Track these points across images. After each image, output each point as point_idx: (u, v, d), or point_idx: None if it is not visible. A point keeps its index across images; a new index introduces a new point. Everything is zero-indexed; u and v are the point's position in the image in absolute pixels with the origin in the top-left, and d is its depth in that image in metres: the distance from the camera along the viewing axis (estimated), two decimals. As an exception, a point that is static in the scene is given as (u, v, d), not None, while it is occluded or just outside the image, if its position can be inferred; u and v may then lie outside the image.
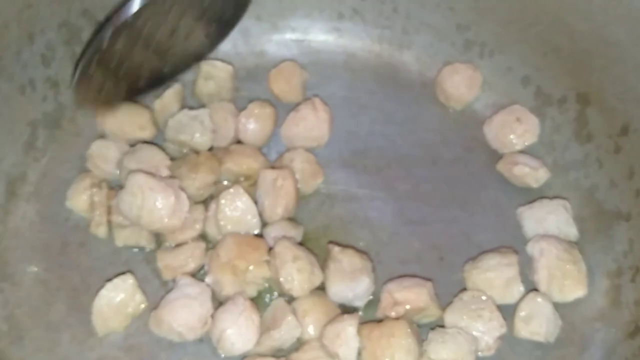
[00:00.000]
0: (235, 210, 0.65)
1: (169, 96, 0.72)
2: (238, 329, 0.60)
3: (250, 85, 0.77)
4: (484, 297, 0.61)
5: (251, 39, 0.79)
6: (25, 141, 0.69)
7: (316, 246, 0.67)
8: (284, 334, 0.60)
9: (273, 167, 0.70)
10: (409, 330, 0.59)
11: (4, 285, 0.64)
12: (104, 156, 0.69)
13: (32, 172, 0.70)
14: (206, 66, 0.74)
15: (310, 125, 0.72)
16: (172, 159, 0.69)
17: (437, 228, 0.69)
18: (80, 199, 0.67)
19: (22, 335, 0.62)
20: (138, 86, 0.70)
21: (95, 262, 0.66)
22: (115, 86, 0.67)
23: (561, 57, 0.69)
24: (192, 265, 0.64)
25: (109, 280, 0.63)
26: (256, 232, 0.66)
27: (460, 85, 0.75)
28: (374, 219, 0.70)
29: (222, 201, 0.65)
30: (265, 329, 0.61)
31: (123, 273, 0.63)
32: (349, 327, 0.59)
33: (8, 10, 0.65)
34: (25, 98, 0.69)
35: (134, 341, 0.62)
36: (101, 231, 0.66)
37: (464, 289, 0.63)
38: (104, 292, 0.61)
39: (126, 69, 0.66)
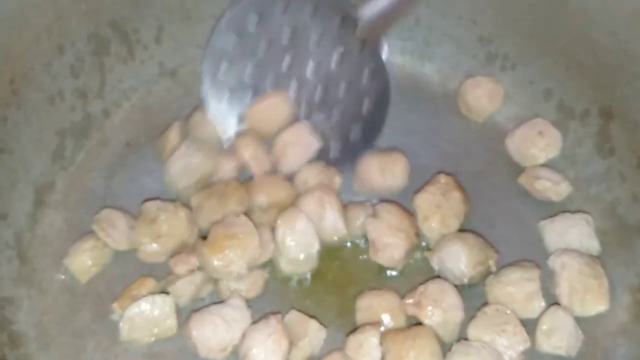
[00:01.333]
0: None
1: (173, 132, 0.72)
2: (264, 350, 0.60)
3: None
4: (507, 312, 0.62)
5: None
6: (53, 150, 0.71)
7: (338, 256, 0.67)
8: (312, 339, 0.61)
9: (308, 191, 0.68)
10: (433, 334, 0.60)
11: (32, 292, 0.66)
12: (113, 223, 0.67)
13: (60, 181, 0.71)
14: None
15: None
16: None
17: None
18: (79, 259, 0.66)
19: (49, 342, 0.64)
20: None
21: (120, 271, 0.67)
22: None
23: (584, 71, 0.70)
24: (251, 293, 0.65)
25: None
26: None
27: (482, 97, 0.75)
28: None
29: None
30: (291, 345, 0.61)
31: (167, 293, 0.63)
32: (371, 338, 0.60)
33: (39, 23, 0.66)
34: (54, 108, 0.70)
35: (159, 349, 0.63)
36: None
37: (486, 303, 0.64)
38: (142, 302, 0.62)
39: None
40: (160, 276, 0.65)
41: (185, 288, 0.63)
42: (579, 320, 0.63)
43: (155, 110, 0.77)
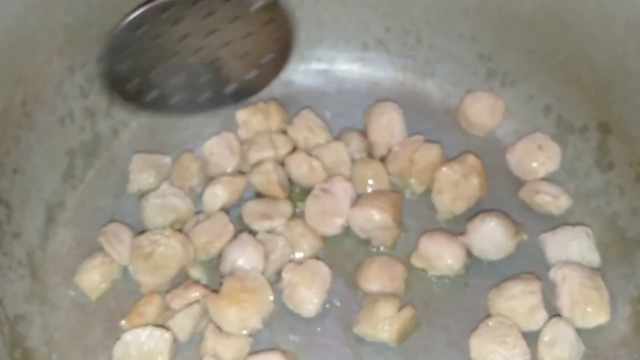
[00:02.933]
0: None
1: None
2: (247, 257, 0.65)
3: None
4: (509, 324, 0.63)
5: (279, 68, 0.81)
6: (64, 170, 0.72)
7: (344, 271, 0.69)
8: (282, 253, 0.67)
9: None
10: None
11: (44, 309, 0.67)
12: (119, 237, 0.68)
13: (70, 199, 0.73)
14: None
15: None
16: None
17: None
18: (88, 276, 0.67)
19: (61, 358, 0.65)
20: (171, 103, 0.70)
21: (129, 287, 0.68)
22: (146, 90, 0.68)
23: (582, 86, 0.71)
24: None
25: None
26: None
27: (483, 113, 0.77)
28: (398, 242, 0.71)
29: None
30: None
31: (167, 329, 0.64)
32: None
33: (51, 46, 0.68)
34: (65, 128, 0.72)
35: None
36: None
37: (489, 315, 0.65)
38: (140, 331, 0.62)
39: (156, 72, 0.67)
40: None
41: (184, 322, 0.64)
42: (580, 332, 0.64)
43: (162, 129, 0.78)
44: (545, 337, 0.63)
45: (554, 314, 0.65)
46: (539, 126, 0.75)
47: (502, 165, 0.75)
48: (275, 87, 0.80)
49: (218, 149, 0.73)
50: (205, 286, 0.66)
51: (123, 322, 0.65)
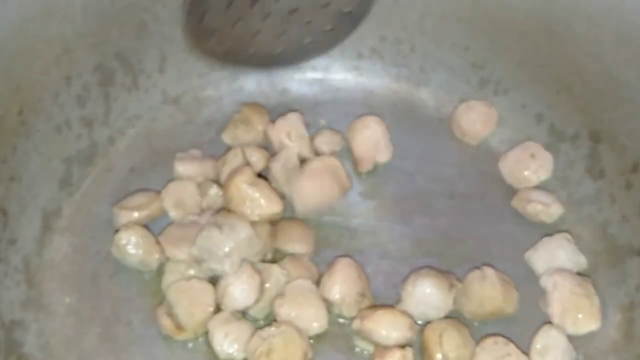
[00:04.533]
0: None
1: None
2: (240, 285, 0.64)
3: (274, 122, 0.80)
4: (503, 341, 0.63)
5: (274, 77, 0.82)
6: (60, 177, 0.73)
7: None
8: (277, 281, 0.66)
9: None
10: None
11: (39, 315, 0.67)
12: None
13: (66, 207, 0.73)
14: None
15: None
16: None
17: (454, 261, 0.70)
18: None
19: (57, 365, 0.65)
20: (249, 54, 0.70)
21: (125, 293, 0.69)
22: (226, 41, 0.68)
23: (573, 95, 0.72)
24: None
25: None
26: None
27: (476, 121, 0.77)
28: (392, 251, 0.72)
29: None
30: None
31: None
32: None
33: (48, 56, 0.69)
34: (61, 137, 0.72)
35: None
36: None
37: (485, 336, 0.64)
38: None
39: (238, 27, 0.67)
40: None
41: None
42: (571, 339, 0.64)
43: (159, 137, 0.79)
44: (537, 345, 0.63)
45: (545, 321, 0.66)
46: (532, 134, 0.76)
47: (495, 174, 0.76)
48: (271, 96, 0.82)
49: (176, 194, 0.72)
50: (401, 347, 0.63)
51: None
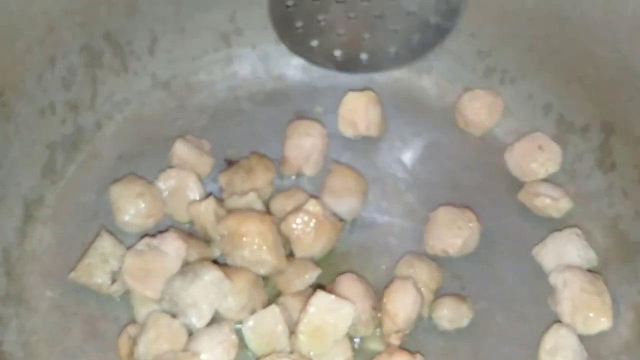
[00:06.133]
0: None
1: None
2: (212, 357, 0.58)
3: (269, 109, 0.77)
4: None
5: (270, 62, 0.79)
6: (44, 164, 0.69)
7: (334, 274, 0.65)
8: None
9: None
10: None
11: (20, 310, 0.64)
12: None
13: (50, 195, 0.69)
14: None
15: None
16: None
17: (456, 256, 0.68)
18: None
19: (39, 363, 0.61)
20: (334, 55, 0.73)
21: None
22: (311, 35, 0.70)
23: (585, 85, 0.69)
24: None
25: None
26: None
27: (481, 111, 0.74)
28: (393, 245, 0.69)
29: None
30: None
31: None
32: None
33: (32, 34, 0.65)
34: (45, 121, 0.68)
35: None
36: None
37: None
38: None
39: (323, 23, 0.69)
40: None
41: None
42: (581, 339, 0.62)
43: (148, 123, 0.75)
44: (547, 345, 0.61)
45: (555, 320, 0.63)
46: (539, 125, 0.73)
47: (500, 166, 0.73)
48: (266, 82, 0.79)
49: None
50: (410, 352, 0.60)
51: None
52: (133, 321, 0.62)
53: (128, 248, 0.64)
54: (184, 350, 0.58)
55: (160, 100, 0.76)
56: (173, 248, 0.62)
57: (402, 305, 0.61)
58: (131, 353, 0.59)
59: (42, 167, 0.69)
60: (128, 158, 0.73)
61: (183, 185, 0.68)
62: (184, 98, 0.77)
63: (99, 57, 0.71)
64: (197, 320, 0.59)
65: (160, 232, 0.65)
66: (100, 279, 0.64)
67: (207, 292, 0.60)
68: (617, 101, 0.66)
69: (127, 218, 0.67)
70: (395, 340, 0.61)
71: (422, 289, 0.63)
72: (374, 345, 0.63)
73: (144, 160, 0.72)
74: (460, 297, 0.65)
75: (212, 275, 0.60)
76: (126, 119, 0.75)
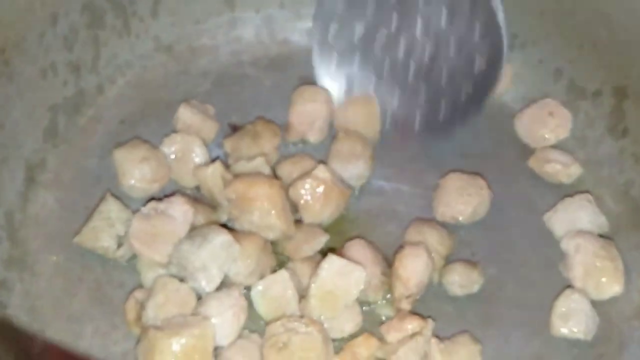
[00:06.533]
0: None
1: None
2: (222, 322, 0.57)
3: (273, 74, 0.75)
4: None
5: (274, 27, 0.77)
6: (45, 127, 0.67)
7: (342, 240, 0.64)
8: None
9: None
10: None
11: (24, 275, 0.62)
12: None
13: (51, 159, 0.67)
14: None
15: None
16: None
17: (466, 223, 0.67)
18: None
19: (44, 328, 0.60)
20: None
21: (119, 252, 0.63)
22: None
23: (597, 49, 0.68)
24: None
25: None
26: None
27: (491, 77, 0.73)
28: (401, 212, 0.68)
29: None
30: None
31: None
32: None
33: (34, -11, 0.63)
34: (47, 82, 0.67)
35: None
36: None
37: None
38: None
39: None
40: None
41: (409, 356, 0.58)
42: (593, 304, 0.62)
43: (151, 87, 0.73)
44: (559, 310, 0.60)
45: (567, 285, 0.63)
46: (549, 91, 0.72)
47: (510, 132, 0.72)
48: (270, 47, 0.77)
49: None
50: (422, 316, 0.59)
51: None
52: (140, 286, 0.61)
53: (134, 212, 0.63)
54: (193, 314, 0.57)
55: (163, 64, 0.75)
56: (180, 212, 0.61)
57: (414, 269, 0.61)
58: (139, 318, 0.58)
59: (44, 130, 0.67)
60: (131, 122, 0.71)
61: (188, 150, 0.67)
62: (187, 62, 0.75)
63: (102, 17, 0.69)
64: (207, 284, 0.58)
65: (167, 196, 0.63)
66: (106, 242, 0.62)
67: (216, 255, 0.58)
68: (632, 65, 0.65)
69: (132, 182, 0.65)
70: (406, 305, 0.60)
71: (433, 254, 0.63)
72: (385, 311, 0.62)
73: (147, 124, 0.71)
74: (471, 263, 0.64)
75: (221, 238, 0.59)
76: (129, 82, 0.73)
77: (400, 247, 0.63)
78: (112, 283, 0.62)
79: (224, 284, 0.59)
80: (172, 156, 0.67)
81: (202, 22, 0.76)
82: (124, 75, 0.73)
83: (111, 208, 0.63)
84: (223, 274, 0.59)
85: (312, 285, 0.58)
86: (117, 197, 0.64)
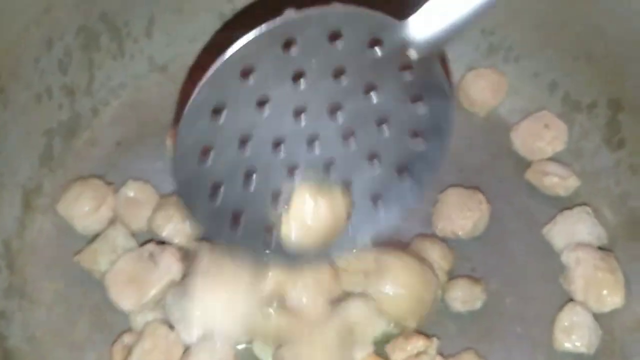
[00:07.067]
0: None
1: None
2: None
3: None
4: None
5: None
6: (41, 152, 0.67)
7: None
8: None
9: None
10: None
11: (23, 303, 0.62)
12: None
13: (48, 184, 0.67)
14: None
15: None
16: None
17: (466, 238, 0.67)
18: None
19: (45, 356, 0.60)
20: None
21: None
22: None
23: (592, 62, 0.68)
24: None
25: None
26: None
27: (486, 90, 0.73)
28: (401, 228, 0.67)
29: None
30: None
31: None
32: None
33: (29, 13, 0.62)
34: (42, 106, 0.66)
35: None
36: None
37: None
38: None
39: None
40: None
41: None
42: (595, 317, 0.62)
43: (146, 107, 0.73)
44: (562, 323, 0.61)
45: (568, 298, 0.63)
46: (544, 104, 0.72)
47: (506, 145, 0.72)
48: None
49: None
50: (426, 335, 0.59)
51: None
52: (129, 329, 0.60)
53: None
54: None
55: (158, 84, 0.74)
56: (166, 264, 0.60)
57: None
58: None
59: (40, 155, 0.66)
60: (127, 144, 0.71)
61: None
62: (182, 81, 0.74)
63: (96, 39, 0.68)
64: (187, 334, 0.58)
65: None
66: (103, 267, 0.62)
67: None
68: (627, 77, 0.66)
69: (83, 223, 0.63)
70: (412, 323, 0.60)
71: (436, 270, 0.63)
72: (389, 329, 0.62)
73: (143, 145, 0.70)
74: (474, 278, 0.64)
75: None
76: (123, 104, 0.72)
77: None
78: (112, 309, 0.61)
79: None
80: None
81: (196, 40, 0.75)
82: (118, 97, 0.72)
83: (117, 234, 0.62)
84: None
85: None
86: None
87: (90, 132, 0.70)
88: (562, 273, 0.64)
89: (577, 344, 0.60)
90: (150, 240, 0.62)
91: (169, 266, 0.59)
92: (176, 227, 0.62)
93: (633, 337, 0.62)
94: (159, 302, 0.59)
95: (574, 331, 0.60)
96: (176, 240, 0.62)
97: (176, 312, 0.58)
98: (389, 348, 0.59)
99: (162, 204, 0.64)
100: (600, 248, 0.65)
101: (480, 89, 0.73)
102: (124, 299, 0.59)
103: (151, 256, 0.60)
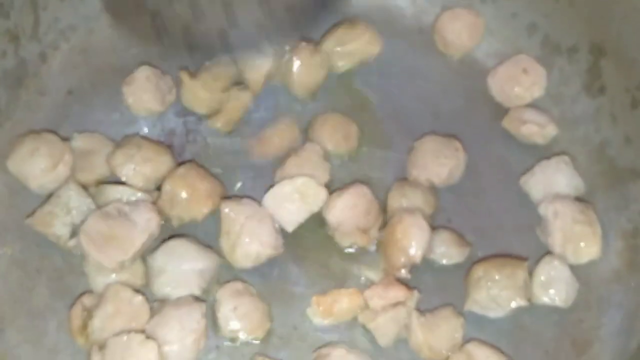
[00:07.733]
0: None
1: None
2: (180, 349, 0.53)
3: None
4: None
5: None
6: (-15, 104, 0.62)
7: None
8: None
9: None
10: None
11: (-25, 271, 0.58)
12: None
13: (-4, 139, 0.62)
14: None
15: None
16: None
17: (442, 188, 0.65)
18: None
19: (4, 327, 0.57)
20: (169, 30, 0.63)
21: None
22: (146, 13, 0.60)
23: (574, 3, 0.65)
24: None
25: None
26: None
27: (462, 32, 0.70)
28: (375, 179, 0.65)
29: None
30: None
31: None
32: None
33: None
34: (-17, 55, 0.61)
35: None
36: None
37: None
38: None
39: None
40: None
41: (388, 327, 0.56)
42: (572, 268, 0.61)
43: (98, 52, 0.68)
44: (539, 277, 0.60)
45: (545, 251, 0.62)
46: (522, 47, 0.70)
47: (483, 91, 0.70)
48: None
49: None
50: (408, 286, 0.58)
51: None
52: (89, 290, 0.57)
53: (98, 206, 0.58)
54: (145, 331, 0.54)
55: (111, 26, 0.69)
56: (143, 219, 0.57)
57: (419, 241, 0.59)
58: (84, 327, 0.55)
59: (-15, 108, 0.62)
60: (79, 93, 0.67)
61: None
62: (138, 22, 0.70)
63: (39, -23, 0.63)
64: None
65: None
66: (58, 230, 0.58)
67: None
68: (611, 20, 0.63)
69: (38, 182, 0.60)
70: (406, 274, 0.59)
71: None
72: (369, 274, 0.60)
73: (97, 94, 0.66)
74: (457, 233, 0.62)
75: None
76: (73, 48, 0.68)
77: (397, 215, 0.61)
78: (74, 272, 0.58)
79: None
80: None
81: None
82: (68, 40, 0.67)
83: (70, 194, 0.58)
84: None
85: None
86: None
87: (38, 81, 0.66)
88: (539, 225, 0.63)
89: (555, 298, 0.59)
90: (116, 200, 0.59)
91: (148, 220, 0.57)
92: (136, 168, 0.59)
93: (610, 289, 0.62)
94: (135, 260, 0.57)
95: (552, 286, 0.60)
96: (134, 182, 0.59)
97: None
98: (367, 294, 0.58)
99: (124, 143, 0.61)
100: (578, 198, 0.64)
101: (457, 31, 0.70)
102: (107, 257, 0.55)
103: (123, 214, 0.57)
